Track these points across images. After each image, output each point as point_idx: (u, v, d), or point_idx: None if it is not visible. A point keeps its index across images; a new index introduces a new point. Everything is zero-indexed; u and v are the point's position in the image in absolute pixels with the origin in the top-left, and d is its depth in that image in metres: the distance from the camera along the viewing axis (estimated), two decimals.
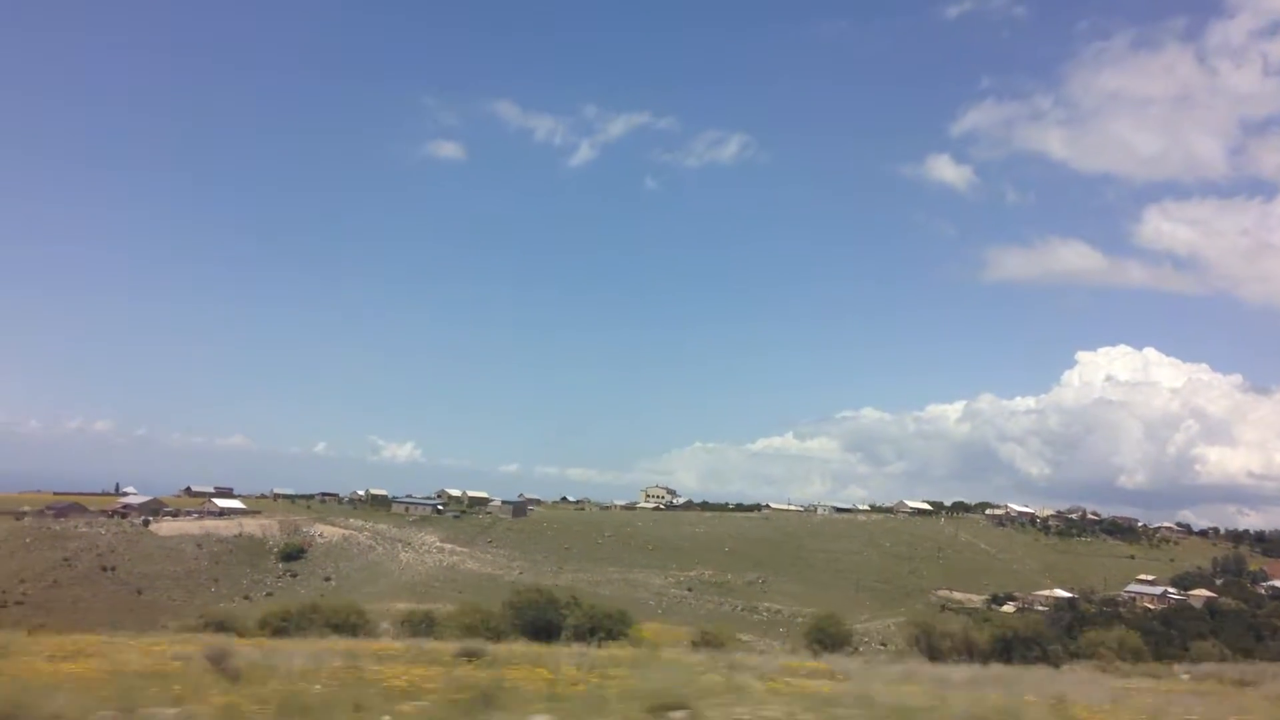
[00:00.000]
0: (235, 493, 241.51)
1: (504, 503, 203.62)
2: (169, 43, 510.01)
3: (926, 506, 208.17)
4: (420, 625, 35.05)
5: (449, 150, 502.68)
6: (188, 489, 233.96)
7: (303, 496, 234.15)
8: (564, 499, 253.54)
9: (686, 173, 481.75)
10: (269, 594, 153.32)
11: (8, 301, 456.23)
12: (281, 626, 31.24)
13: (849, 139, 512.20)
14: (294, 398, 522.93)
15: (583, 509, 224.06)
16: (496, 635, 31.48)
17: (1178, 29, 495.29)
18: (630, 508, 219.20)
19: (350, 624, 31.49)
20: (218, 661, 14.90)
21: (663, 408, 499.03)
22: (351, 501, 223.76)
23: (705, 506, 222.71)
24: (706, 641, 39.49)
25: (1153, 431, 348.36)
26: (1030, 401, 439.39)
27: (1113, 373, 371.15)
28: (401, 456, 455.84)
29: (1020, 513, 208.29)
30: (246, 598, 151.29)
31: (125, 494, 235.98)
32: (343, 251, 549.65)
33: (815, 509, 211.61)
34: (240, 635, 27.63)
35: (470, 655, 19.42)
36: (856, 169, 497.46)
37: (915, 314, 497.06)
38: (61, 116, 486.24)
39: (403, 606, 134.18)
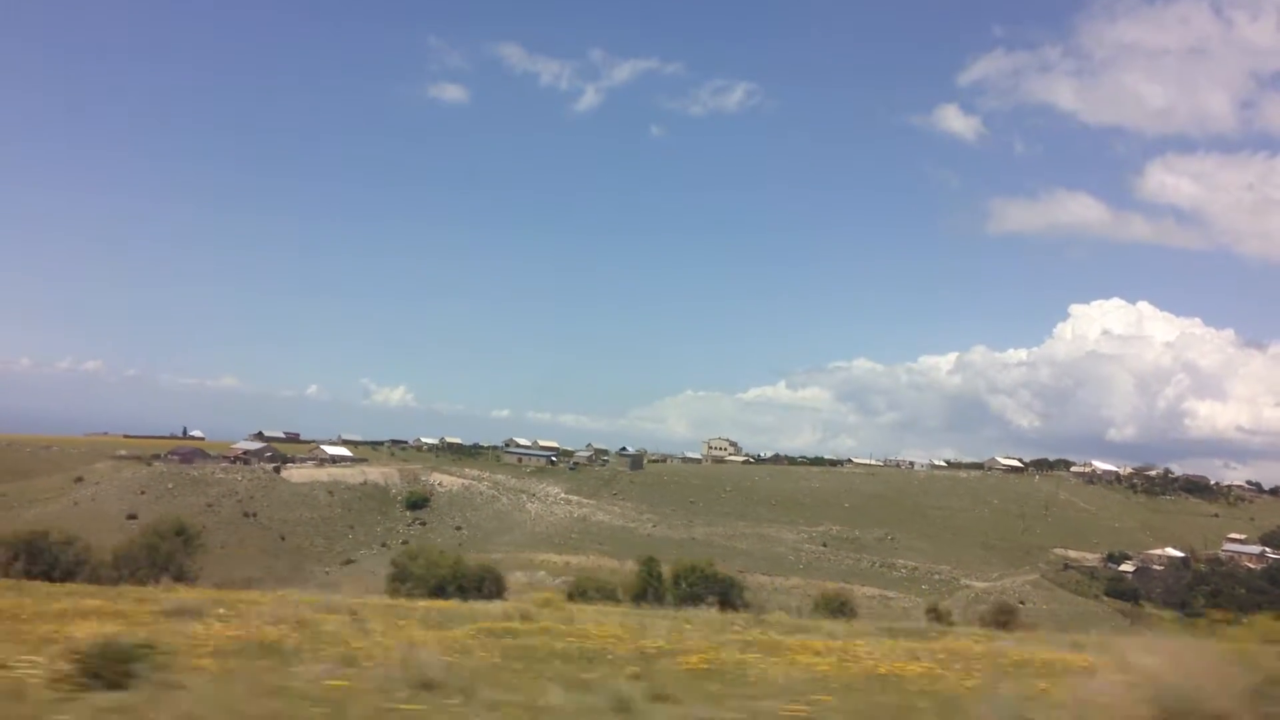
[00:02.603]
0: (301, 438, 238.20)
1: (618, 453, 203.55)
2: None
3: (1016, 463, 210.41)
4: None
5: (453, 93, 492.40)
6: (259, 434, 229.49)
7: (374, 443, 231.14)
8: (623, 449, 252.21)
9: (691, 120, 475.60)
10: (404, 542, 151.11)
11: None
12: None
13: (856, 88, 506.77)
14: (284, 340, 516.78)
15: (663, 461, 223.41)
16: None
17: None
18: (720, 461, 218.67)
19: None
20: None
21: (656, 355, 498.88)
22: (431, 450, 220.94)
23: (792, 461, 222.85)
24: None
25: (1143, 385, 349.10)
26: (1022, 354, 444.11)
27: (1106, 326, 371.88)
28: (394, 400, 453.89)
29: (1105, 470, 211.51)
30: (384, 545, 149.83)
31: (193, 437, 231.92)
32: (339, 193, 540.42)
33: (911, 465, 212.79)
34: None
35: None
36: (863, 118, 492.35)
37: (915, 265, 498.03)
38: (60, 58, 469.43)
39: (552, 557, 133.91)
